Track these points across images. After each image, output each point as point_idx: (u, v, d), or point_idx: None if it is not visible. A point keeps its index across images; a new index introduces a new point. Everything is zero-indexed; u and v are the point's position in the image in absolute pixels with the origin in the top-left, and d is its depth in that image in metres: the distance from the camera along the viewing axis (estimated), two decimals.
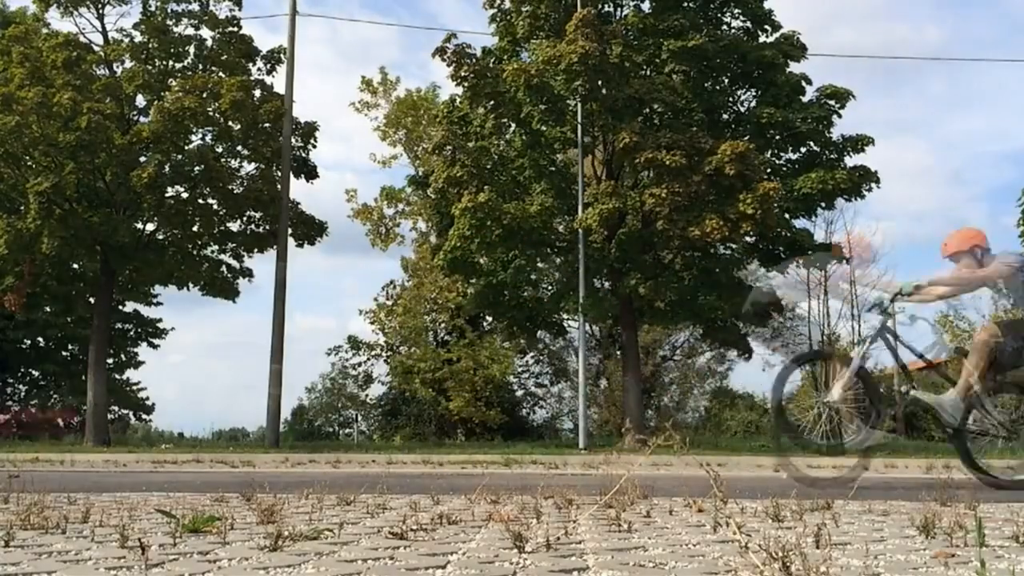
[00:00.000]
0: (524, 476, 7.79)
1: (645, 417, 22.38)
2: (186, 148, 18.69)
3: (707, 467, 3.03)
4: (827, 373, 6.36)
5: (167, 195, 18.43)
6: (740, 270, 19.59)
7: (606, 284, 18.33)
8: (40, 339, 29.61)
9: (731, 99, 18.68)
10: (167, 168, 18.41)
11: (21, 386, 31.25)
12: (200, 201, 19.05)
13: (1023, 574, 1.90)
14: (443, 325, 29.86)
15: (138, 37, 19.60)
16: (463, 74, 17.26)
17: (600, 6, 18.11)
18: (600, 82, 16.32)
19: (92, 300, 21.11)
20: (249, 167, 19.99)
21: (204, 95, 18.03)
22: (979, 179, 66.17)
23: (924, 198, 63.32)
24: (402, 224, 30.89)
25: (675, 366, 35.72)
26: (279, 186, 19.12)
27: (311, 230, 20.25)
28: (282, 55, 20.09)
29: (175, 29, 19.71)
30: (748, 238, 17.17)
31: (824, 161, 17.61)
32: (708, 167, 15.52)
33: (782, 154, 18.37)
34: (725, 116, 18.50)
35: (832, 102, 17.69)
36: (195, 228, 19.21)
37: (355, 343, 31.57)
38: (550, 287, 20.36)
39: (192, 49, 19.86)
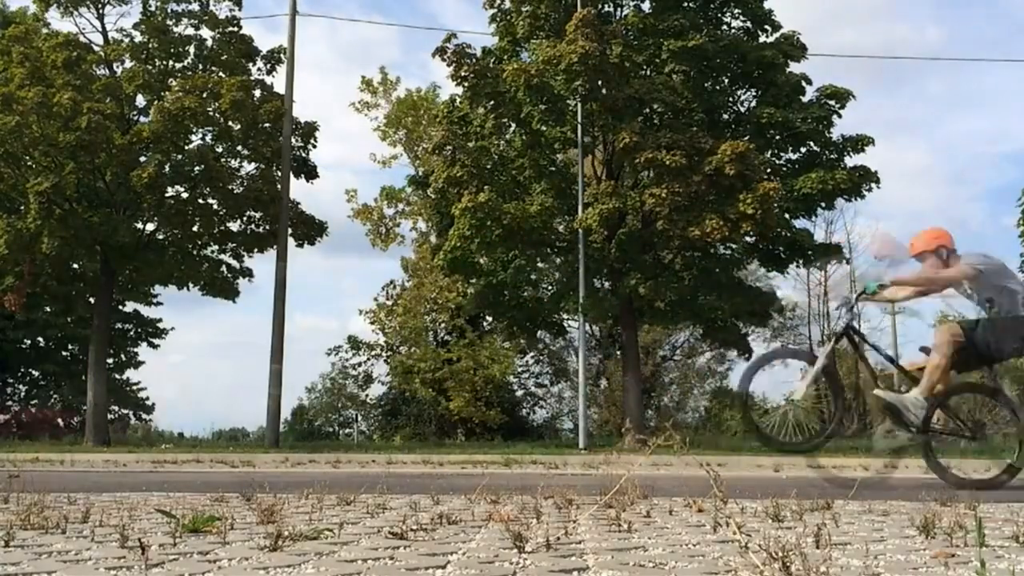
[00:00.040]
0: (524, 476, 7.79)
1: (645, 417, 22.38)
2: (186, 148, 18.70)
3: (707, 467, 3.03)
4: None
5: (167, 195, 18.45)
6: (740, 270, 19.60)
7: (606, 284, 18.33)
8: (40, 339, 29.62)
9: (731, 99, 18.69)
10: (167, 168, 18.42)
11: (21, 386, 31.27)
12: (200, 201, 19.06)
13: (1023, 574, 1.90)
14: (443, 325, 29.87)
15: (138, 37, 19.62)
16: (463, 74, 17.27)
17: (600, 6, 18.11)
18: (600, 82, 16.32)
19: (92, 300, 21.12)
20: (249, 167, 20.03)
21: (204, 95, 18.04)
22: (979, 179, 66.14)
23: (924, 198, 63.25)
24: (402, 224, 30.96)
25: (675, 366, 35.75)
26: (279, 186, 19.12)
27: (311, 230, 20.26)
28: (282, 55, 20.09)
29: (175, 29, 19.72)
30: (748, 238, 17.17)
31: (824, 161, 17.61)
32: (708, 167, 15.52)
33: (782, 154, 18.37)
34: (725, 116, 18.50)
35: (832, 102, 17.69)
36: (195, 228, 19.22)
37: (355, 343, 31.60)
38: (550, 287, 20.37)
39: (192, 49, 19.88)
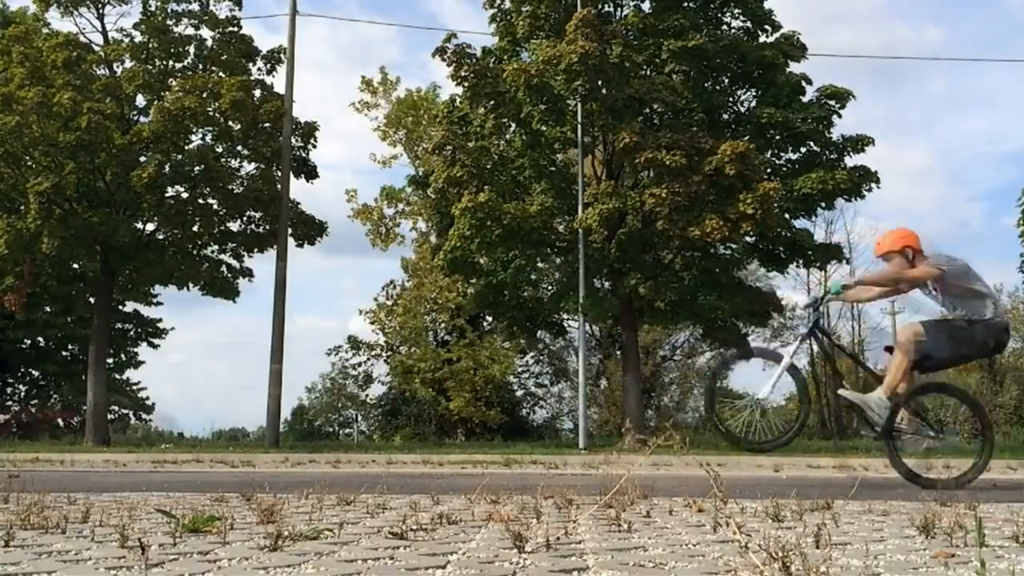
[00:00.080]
0: (524, 476, 7.79)
1: (645, 417, 22.38)
2: (186, 148, 18.70)
3: (707, 467, 3.03)
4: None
5: (167, 195, 18.44)
6: (740, 270, 19.59)
7: (606, 284, 18.33)
8: (40, 339, 29.62)
9: (731, 99, 18.68)
10: (167, 168, 18.42)
11: (21, 386, 31.27)
12: (200, 201, 19.06)
13: (1023, 574, 1.90)
14: (443, 325, 29.88)
15: (138, 37, 19.62)
16: (463, 74, 17.27)
17: (600, 6, 18.11)
18: (600, 82, 16.32)
19: (92, 300, 21.12)
20: (249, 167, 20.03)
21: (204, 95, 18.04)
22: (979, 179, 66.24)
23: (924, 198, 63.35)
24: (402, 224, 30.97)
25: (675, 366, 35.78)
26: (279, 186, 19.12)
27: (311, 230, 20.26)
28: (282, 55, 20.09)
29: (175, 29, 19.72)
30: (748, 238, 17.18)
31: (824, 161, 17.61)
32: (708, 167, 15.52)
33: (782, 154, 18.37)
34: (725, 116, 18.50)
35: (832, 102, 17.69)
36: (195, 228, 19.23)
37: (355, 343, 31.62)
38: (550, 287, 20.36)
39: (192, 49, 19.88)
